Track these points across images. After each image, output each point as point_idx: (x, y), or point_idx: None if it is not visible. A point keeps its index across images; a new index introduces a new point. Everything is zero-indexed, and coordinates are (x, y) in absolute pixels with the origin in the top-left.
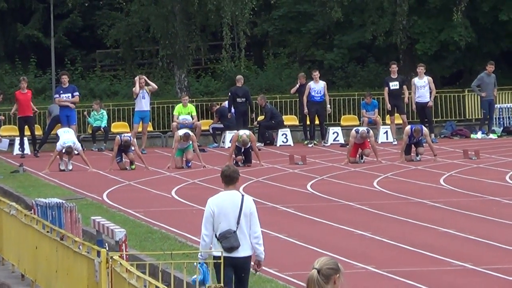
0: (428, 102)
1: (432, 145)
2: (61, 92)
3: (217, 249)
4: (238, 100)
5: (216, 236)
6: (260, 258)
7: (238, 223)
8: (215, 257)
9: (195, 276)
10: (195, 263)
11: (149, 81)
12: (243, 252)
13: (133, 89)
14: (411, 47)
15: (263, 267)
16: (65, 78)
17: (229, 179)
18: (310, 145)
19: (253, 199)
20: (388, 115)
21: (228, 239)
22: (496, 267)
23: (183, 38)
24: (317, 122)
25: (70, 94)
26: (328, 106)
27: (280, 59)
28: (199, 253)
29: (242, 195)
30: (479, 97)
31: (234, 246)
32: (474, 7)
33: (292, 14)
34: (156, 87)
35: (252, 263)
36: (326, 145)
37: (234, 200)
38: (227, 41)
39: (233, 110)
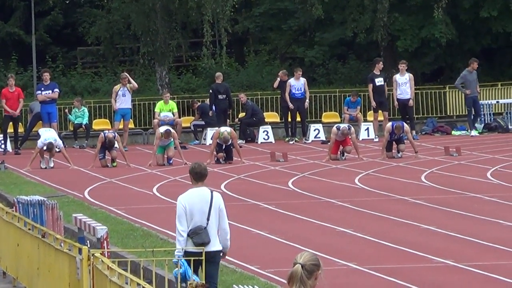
0: (409, 98)
1: (413, 142)
2: (42, 89)
3: (189, 244)
4: (220, 97)
5: (187, 232)
6: (225, 250)
7: (208, 219)
8: (187, 253)
9: (176, 269)
10: (174, 260)
11: (131, 79)
12: (213, 247)
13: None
14: (392, 44)
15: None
16: (46, 75)
17: (199, 176)
18: (291, 142)
19: (233, 196)
20: (370, 112)
21: (199, 235)
22: (477, 263)
23: (164, 35)
24: (298, 119)
25: (51, 91)
26: (307, 101)
27: (261, 56)
28: (176, 250)
29: (211, 191)
30: (463, 94)
31: (205, 242)
32: (455, 4)
33: (273, 11)
34: (137, 86)
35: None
36: (307, 142)
37: (204, 197)
38: (208, 38)
39: (214, 107)
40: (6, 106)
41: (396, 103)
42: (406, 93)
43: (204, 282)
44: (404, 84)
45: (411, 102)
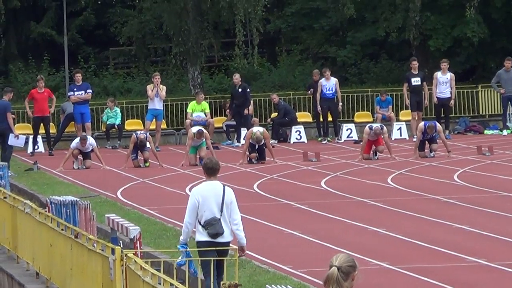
0: (449, 98)
1: (446, 141)
2: (75, 89)
3: (202, 235)
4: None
5: (201, 224)
6: (242, 244)
7: (221, 211)
8: (198, 243)
9: (180, 259)
10: (179, 247)
11: (162, 92)
12: (226, 238)
13: (148, 93)
14: (424, 43)
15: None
16: (78, 76)
17: (212, 171)
18: (323, 142)
19: (266, 196)
20: (403, 111)
21: (213, 226)
22: (510, 263)
23: (196, 35)
24: (330, 119)
25: (83, 92)
26: (340, 103)
27: (293, 56)
28: (181, 238)
29: (224, 185)
30: (496, 93)
31: (219, 233)
32: (487, 2)
33: (305, 11)
34: (164, 96)
35: (233, 248)
36: (340, 141)
37: (217, 190)
38: (240, 38)
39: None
40: (27, 106)
41: (435, 99)
42: (446, 92)
43: (237, 282)
44: (444, 83)
45: (452, 102)
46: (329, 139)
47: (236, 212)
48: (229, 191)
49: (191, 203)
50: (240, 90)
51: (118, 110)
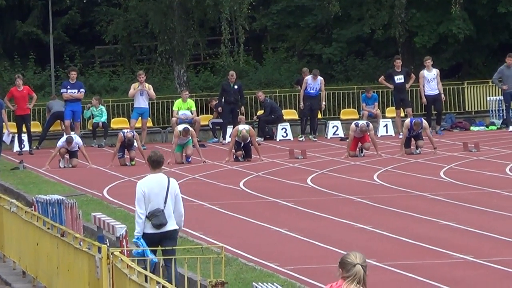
0: (439, 93)
1: (432, 138)
2: (68, 87)
3: (147, 226)
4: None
5: (145, 215)
6: (179, 231)
7: (165, 202)
8: (144, 234)
9: (136, 249)
10: (134, 240)
11: (150, 89)
12: (170, 226)
13: (130, 92)
14: (409, 40)
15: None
16: (74, 74)
17: (156, 163)
18: (300, 139)
19: (252, 194)
20: (389, 108)
21: (157, 217)
22: (497, 259)
23: (182, 33)
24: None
25: (77, 90)
26: (323, 102)
27: (279, 54)
28: (135, 231)
29: (168, 177)
30: (481, 90)
31: (163, 223)
32: None
33: (290, 9)
34: (154, 96)
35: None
36: (314, 140)
37: (161, 182)
38: (226, 36)
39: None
40: (9, 103)
41: (424, 100)
42: (435, 88)
43: (223, 280)
44: (432, 80)
45: (443, 97)
46: (310, 136)
47: (181, 204)
48: (174, 182)
49: (138, 195)
50: (235, 87)
51: (103, 108)
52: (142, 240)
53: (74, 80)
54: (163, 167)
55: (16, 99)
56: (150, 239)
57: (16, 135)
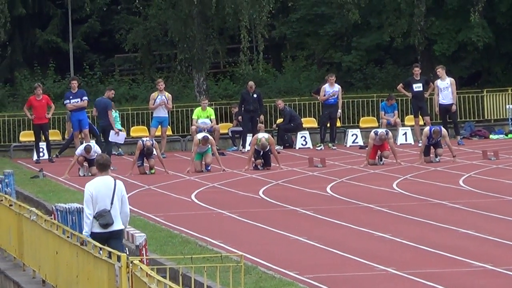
0: (451, 104)
1: (451, 146)
2: (71, 97)
3: (94, 226)
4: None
5: (93, 215)
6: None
7: (112, 203)
8: (92, 233)
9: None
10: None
11: (169, 101)
12: (117, 226)
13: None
14: (429, 48)
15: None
16: (74, 83)
17: (103, 166)
18: (318, 148)
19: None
20: (408, 116)
21: (104, 217)
22: None
23: (201, 42)
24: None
25: (79, 99)
26: (340, 110)
27: (298, 62)
28: (84, 231)
29: (115, 180)
30: (501, 98)
31: (109, 223)
32: (492, 7)
33: (309, 17)
34: (171, 107)
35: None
36: (334, 148)
37: (108, 184)
38: (245, 44)
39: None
40: (27, 112)
41: (437, 109)
42: (448, 98)
43: None
44: (445, 89)
45: (454, 108)
46: (329, 145)
47: (126, 204)
48: (120, 184)
49: (86, 196)
50: (255, 95)
51: (116, 113)
52: (90, 239)
53: (76, 89)
54: (182, 174)
55: (34, 108)
56: (98, 238)
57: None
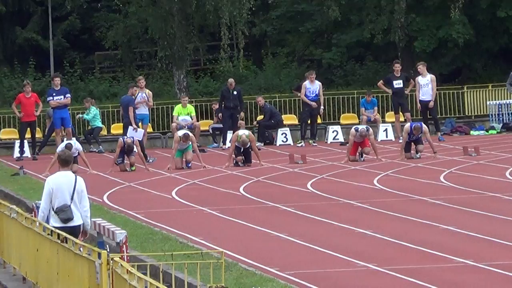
0: (430, 100)
1: (432, 142)
2: (54, 94)
3: (55, 220)
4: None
5: (53, 210)
6: (86, 229)
7: (72, 198)
8: (55, 227)
9: None
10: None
11: (150, 99)
12: (76, 221)
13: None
14: (409, 45)
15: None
16: (57, 80)
17: (65, 162)
18: (299, 145)
19: (252, 199)
20: (389, 113)
21: (65, 212)
22: (497, 263)
23: (181, 39)
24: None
25: (62, 96)
26: (322, 107)
27: (278, 59)
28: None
29: (75, 176)
30: (481, 94)
31: (70, 218)
32: (472, 4)
33: (290, 14)
34: (151, 105)
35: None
36: (314, 144)
37: (69, 179)
38: (226, 41)
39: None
40: (16, 110)
41: (419, 105)
42: (429, 94)
43: (223, 285)
44: (426, 86)
45: (431, 104)
46: (310, 141)
47: (86, 200)
48: (80, 180)
49: (46, 191)
50: (235, 92)
51: (93, 108)
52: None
53: (59, 86)
54: (159, 170)
55: (23, 106)
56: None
57: (17, 141)
